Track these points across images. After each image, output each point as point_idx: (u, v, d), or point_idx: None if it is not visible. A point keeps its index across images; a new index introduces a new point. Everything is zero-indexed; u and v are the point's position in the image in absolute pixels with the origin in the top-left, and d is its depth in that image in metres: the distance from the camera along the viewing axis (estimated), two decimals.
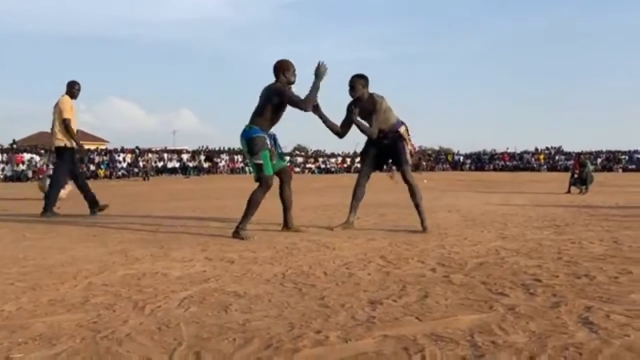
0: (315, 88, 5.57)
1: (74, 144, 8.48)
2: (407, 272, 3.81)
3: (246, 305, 2.96)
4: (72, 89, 8.52)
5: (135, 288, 3.39)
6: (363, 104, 5.97)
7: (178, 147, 49.63)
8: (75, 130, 8.47)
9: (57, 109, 8.37)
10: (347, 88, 6.04)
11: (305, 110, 5.53)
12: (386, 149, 6.16)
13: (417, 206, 6.05)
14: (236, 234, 5.53)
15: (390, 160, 6.33)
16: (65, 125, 8.28)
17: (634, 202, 10.72)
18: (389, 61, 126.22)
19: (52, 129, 8.46)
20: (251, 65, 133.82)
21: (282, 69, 5.64)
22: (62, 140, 8.34)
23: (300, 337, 2.40)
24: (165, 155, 44.69)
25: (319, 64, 5.60)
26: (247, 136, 5.58)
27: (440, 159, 57.68)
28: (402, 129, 6.13)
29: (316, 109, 5.89)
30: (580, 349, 2.22)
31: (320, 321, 2.65)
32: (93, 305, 2.99)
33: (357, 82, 5.96)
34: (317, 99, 5.70)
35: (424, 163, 49.15)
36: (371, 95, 5.96)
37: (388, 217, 7.48)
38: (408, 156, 6.07)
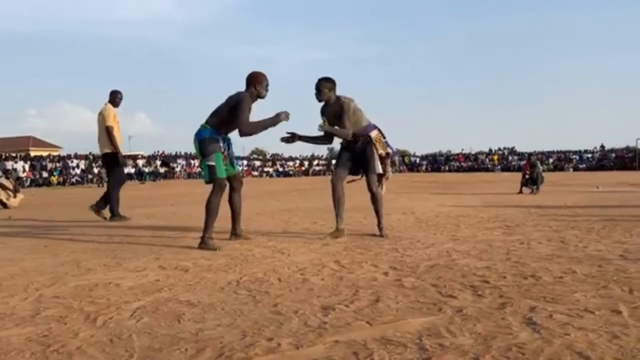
0: (263, 125, 5.46)
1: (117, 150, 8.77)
2: (360, 277, 3.87)
3: (199, 314, 2.97)
4: (115, 98, 8.86)
5: (87, 299, 3.36)
6: (331, 107, 5.87)
7: (133, 152, 48.96)
8: (119, 138, 8.80)
9: (101, 117, 8.68)
10: (314, 92, 5.92)
11: (240, 135, 5.45)
12: (358, 154, 6.02)
13: (376, 211, 6.04)
14: (203, 245, 5.31)
15: (359, 164, 6.13)
16: (108, 132, 8.60)
17: (583, 202, 11.04)
18: (344, 63, 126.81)
19: (99, 136, 8.75)
20: (208, 67, 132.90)
21: (255, 81, 5.52)
22: (109, 147, 8.68)
23: (253, 345, 2.43)
24: None
25: (284, 112, 5.51)
26: (200, 137, 5.48)
27: (399, 161, 58.18)
28: (373, 134, 5.98)
29: (298, 138, 6.09)
30: (523, 349, 2.30)
31: (272, 328, 2.68)
32: (43, 318, 2.96)
33: (323, 85, 5.84)
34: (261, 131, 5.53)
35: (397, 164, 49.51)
36: (338, 97, 5.88)
37: (345, 221, 7.54)
38: (377, 163, 5.94)
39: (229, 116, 5.45)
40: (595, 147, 52.25)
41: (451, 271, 4.00)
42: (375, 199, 6.02)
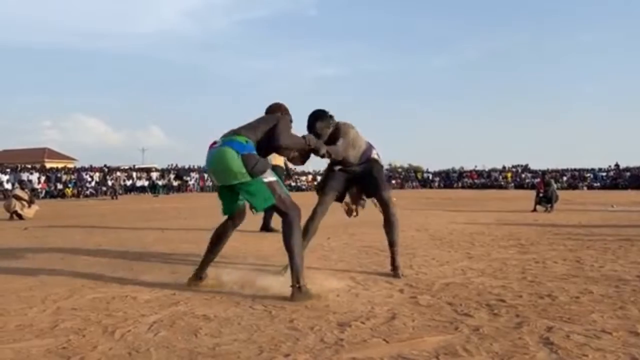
0: (301, 141, 4.33)
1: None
2: (376, 294, 3.87)
3: (216, 328, 2.99)
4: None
5: (105, 312, 3.39)
6: (330, 136, 4.93)
7: (147, 165, 49.31)
8: None
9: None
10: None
11: (278, 146, 4.14)
12: (358, 176, 5.03)
13: (391, 244, 4.89)
14: (297, 295, 3.78)
15: (361, 188, 5.12)
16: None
17: (597, 221, 10.97)
18: (353, 77, 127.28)
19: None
20: (220, 81, 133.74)
21: (283, 110, 4.63)
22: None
23: None
24: (134, 173, 44.28)
25: (328, 152, 4.59)
26: (243, 149, 3.92)
27: (410, 177, 58.09)
28: (373, 154, 5.15)
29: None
30: None
31: (289, 344, 2.69)
32: (62, 330, 2.99)
33: (318, 126, 4.79)
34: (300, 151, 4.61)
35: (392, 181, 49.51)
36: (337, 125, 4.98)
37: (358, 237, 7.55)
38: (384, 183, 5.05)
39: (266, 135, 4.16)
40: (610, 166, 51.81)
41: (466, 289, 4.00)
42: (390, 225, 4.83)
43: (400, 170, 60.43)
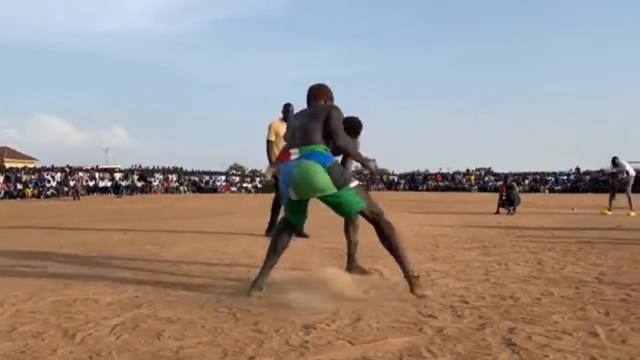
0: (369, 166, 4.27)
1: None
2: (341, 295, 3.86)
3: (179, 331, 2.96)
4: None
5: (65, 315, 3.32)
6: None
7: (110, 166, 48.60)
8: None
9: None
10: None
11: (337, 147, 3.94)
12: None
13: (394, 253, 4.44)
14: (418, 283, 3.82)
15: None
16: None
17: (559, 223, 11.17)
18: (323, 79, 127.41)
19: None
20: (189, 82, 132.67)
21: (329, 95, 4.28)
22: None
23: None
24: (97, 174, 43.62)
25: (377, 168, 4.37)
26: (326, 161, 3.78)
27: (375, 179, 58.37)
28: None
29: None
30: None
31: (254, 347, 2.68)
32: (21, 333, 2.92)
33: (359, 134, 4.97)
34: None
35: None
36: None
37: (322, 239, 7.55)
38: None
39: (327, 134, 3.93)
40: (571, 170, 52.94)
41: (430, 291, 4.03)
42: (355, 226, 4.91)
43: (365, 172, 60.69)
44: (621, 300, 3.72)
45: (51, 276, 4.65)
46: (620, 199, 14.55)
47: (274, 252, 4.06)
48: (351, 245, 4.93)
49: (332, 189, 3.72)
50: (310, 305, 3.45)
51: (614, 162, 14.59)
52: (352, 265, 4.87)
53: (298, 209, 4.00)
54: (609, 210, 14.10)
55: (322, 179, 3.70)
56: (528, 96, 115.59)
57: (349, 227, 4.93)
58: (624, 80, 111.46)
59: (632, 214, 13.53)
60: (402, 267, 3.81)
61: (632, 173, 14.61)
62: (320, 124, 3.90)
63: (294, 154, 3.83)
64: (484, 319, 3.20)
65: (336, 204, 3.81)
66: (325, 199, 3.79)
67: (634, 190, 14.46)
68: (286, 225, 4.12)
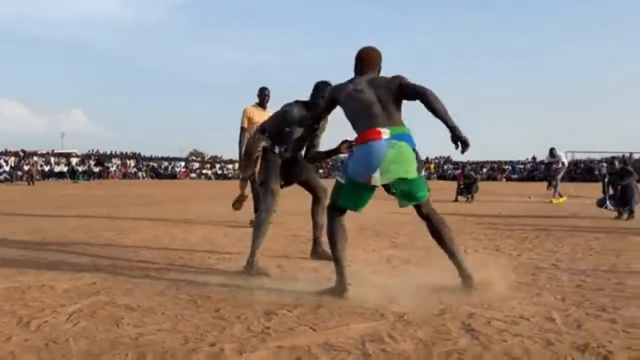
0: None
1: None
2: (303, 282, 3.87)
3: (139, 318, 2.91)
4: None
5: (20, 302, 3.24)
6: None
7: (66, 151, 47.55)
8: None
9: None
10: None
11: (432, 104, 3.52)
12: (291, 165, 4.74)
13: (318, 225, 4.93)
14: (474, 282, 3.63)
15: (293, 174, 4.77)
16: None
17: (516, 211, 11.38)
18: (283, 66, 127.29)
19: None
20: (151, 67, 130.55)
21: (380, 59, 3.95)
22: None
23: (195, 350, 2.40)
24: (53, 159, 42.65)
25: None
26: (414, 144, 3.61)
27: (336, 167, 58.53)
28: None
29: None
30: (463, 355, 2.36)
31: (215, 333, 2.65)
32: None
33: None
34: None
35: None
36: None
37: (286, 226, 7.53)
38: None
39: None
40: (527, 159, 53.96)
41: (391, 277, 4.05)
42: (324, 209, 4.49)
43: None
44: (577, 286, 3.81)
45: (3, 263, 4.52)
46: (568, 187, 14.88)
47: (344, 243, 3.67)
48: (317, 229, 4.88)
49: (415, 174, 3.53)
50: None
51: (552, 153, 14.98)
52: (317, 250, 4.86)
53: (366, 195, 3.64)
54: (559, 196, 14.45)
55: (413, 163, 3.50)
56: (485, 86, 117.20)
57: (318, 210, 4.86)
58: (580, 70, 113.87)
59: (555, 201, 14.06)
60: (454, 261, 3.64)
61: (566, 164, 15.06)
62: (396, 99, 3.64)
63: (384, 133, 3.48)
64: (444, 304, 3.23)
65: (411, 189, 3.56)
66: (403, 183, 3.51)
67: (589, 180, 14.88)
68: (340, 213, 3.72)
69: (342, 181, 3.66)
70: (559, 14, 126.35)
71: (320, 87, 4.55)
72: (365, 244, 5.86)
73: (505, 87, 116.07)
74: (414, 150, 3.55)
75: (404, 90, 3.61)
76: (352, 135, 3.70)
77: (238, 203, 7.33)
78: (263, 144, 4.58)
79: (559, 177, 14.63)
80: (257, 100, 7.83)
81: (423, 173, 3.65)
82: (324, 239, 4.86)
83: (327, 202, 4.66)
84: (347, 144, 3.89)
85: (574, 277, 4.09)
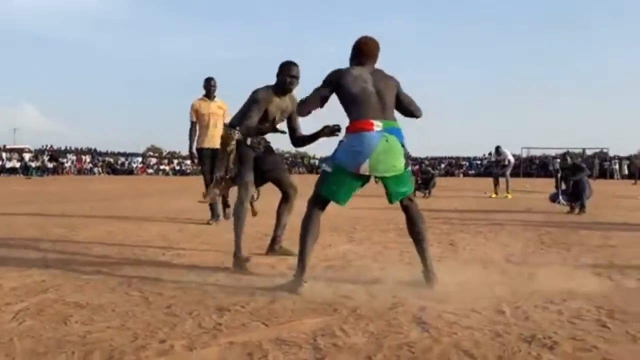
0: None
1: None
2: (257, 278, 3.85)
3: (88, 316, 2.85)
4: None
5: None
6: (285, 101, 4.61)
7: (19, 146, 46.35)
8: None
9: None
10: (292, 78, 4.52)
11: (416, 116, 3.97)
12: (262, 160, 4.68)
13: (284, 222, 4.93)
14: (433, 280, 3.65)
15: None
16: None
17: (472, 206, 11.56)
18: (242, 60, 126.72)
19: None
20: (102, 60, 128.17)
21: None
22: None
23: (144, 347, 2.36)
24: (4, 154, 41.53)
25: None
26: (404, 141, 3.68)
27: (297, 163, 58.55)
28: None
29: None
30: (413, 348, 2.38)
31: (166, 330, 2.62)
32: None
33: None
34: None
35: None
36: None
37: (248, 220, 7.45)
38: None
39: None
40: (484, 154, 54.81)
41: (347, 272, 4.07)
42: (290, 208, 4.86)
43: (287, 156, 60.66)
44: (527, 279, 3.88)
45: None
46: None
47: (314, 239, 3.71)
48: (279, 227, 4.85)
49: (403, 169, 3.60)
50: None
51: (497, 151, 15.35)
52: (274, 247, 4.84)
53: (352, 187, 3.62)
54: (495, 194, 14.79)
55: (401, 159, 3.56)
56: (446, 83, 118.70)
57: (284, 209, 4.82)
58: (538, 67, 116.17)
59: (509, 196, 14.44)
60: (422, 257, 3.69)
61: (513, 161, 15.47)
62: (394, 95, 3.75)
63: (376, 126, 3.52)
64: (397, 298, 3.26)
65: (398, 184, 3.61)
66: (391, 178, 3.58)
67: (544, 175, 15.24)
68: (321, 206, 3.75)
69: (329, 170, 3.64)
70: (512, 9, 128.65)
71: (287, 66, 4.49)
72: (322, 239, 5.84)
73: (462, 85, 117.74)
74: (403, 145, 3.61)
75: (402, 99, 3.79)
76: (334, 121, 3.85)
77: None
78: (236, 137, 4.52)
79: (508, 173, 14.99)
80: (203, 92, 7.82)
81: (409, 168, 3.73)
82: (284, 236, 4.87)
83: (296, 200, 4.77)
84: (329, 128, 4.00)
85: (524, 270, 4.17)
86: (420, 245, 3.71)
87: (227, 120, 7.34)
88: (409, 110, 3.84)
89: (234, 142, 4.52)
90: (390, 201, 3.71)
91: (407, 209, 3.76)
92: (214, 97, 7.75)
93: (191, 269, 4.15)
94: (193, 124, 7.67)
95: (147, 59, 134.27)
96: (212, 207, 7.45)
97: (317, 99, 3.67)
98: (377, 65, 3.84)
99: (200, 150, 7.66)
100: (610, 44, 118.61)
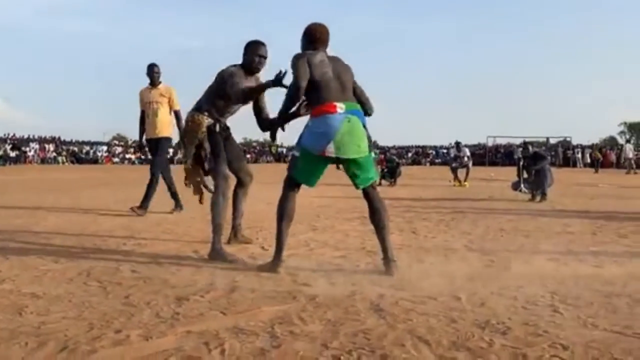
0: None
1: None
2: (218, 266, 3.85)
3: (44, 306, 2.82)
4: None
5: None
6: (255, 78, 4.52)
7: None
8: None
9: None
10: (261, 58, 4.42)
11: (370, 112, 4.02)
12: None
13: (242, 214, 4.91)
14: (393, 267, 3.71)
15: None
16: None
17: (436, 195, 11.69)
18: (208, 49, 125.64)
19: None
20: (67, 48, 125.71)
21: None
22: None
23: (99, 337, 2.35)
24: None
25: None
26: (365, 123, 3.79)
27: (264, 151, 58.38)
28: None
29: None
30: (369, 335, 2.41)
31: (122, 320, 2.61)
32: None
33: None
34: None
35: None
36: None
37: (206, 210, 7.41)
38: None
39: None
40: (451, 143, 55.30)
41: (308, 260, 4.10)
42: (246, 195, 4.79)
43: (255, 144, 60.45)
44: (485, 266, 3.96)
45: None
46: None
47: (289, 220, 3.81)
48: (238, 216, 4.84)
49: (366, 152, 3.68)
50: None
51: (458, 147, 15.86)
52: (236, 236, 4.82)
53: (320, 169, 3.77)
54: (458, 182, 15.09)
55: (364, 140, 3.66)
56: (407, 74, 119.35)
57: (240, 195, 4.80)
58: (504, 59, 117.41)
59: (467, 184, 14.86)
60: (382, 245, 3.74)
61: (470, 157, 15.97)
62: (352, 81, 3.87)
63: (339, 108, 3.62)
64: (356, 286, 3.29)
65: (362, 169, 3.71)
66: (354, 161, 3.67)
67: (509, 164, 15.55)
68: (294, 188, 3.85)
69: (297, 154, 3.76)
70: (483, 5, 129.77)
71: (255, 46, 4.40)
72: None
73: (429, 75, 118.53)
74: (365, 126, 3.71)
75: (355, 87, 3.89)
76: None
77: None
78: (206, 123, 4.42)
79: (470, 164, 15.36)
80: (148, 80, 7.49)
81: (373, 153, 3.79)
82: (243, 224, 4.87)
83: (250, 187, 4.79)
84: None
85: (483, 257, 4.26)
86: (381, 233, 3.76)
87: (177, 107, 7.37)
88: (361, 101, 3.87)
89: (204, 130, 4.41)
90: (357, 186, 3.79)
91: (369, 196, 3.82)
92: (159, 83, 7.43)
93: (152, 258, 4.12)
94: (142, 114, 7.45)
95: (113, 45, 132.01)
96: (175, 196, 7.38)
97: (306, 72, 3.66)
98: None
99: (148, 140, 7.46)
100: (572, 36, 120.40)
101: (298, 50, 3.86)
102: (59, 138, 49.21)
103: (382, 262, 3.69)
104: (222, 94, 4.37)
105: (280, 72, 3.77)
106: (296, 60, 3.70)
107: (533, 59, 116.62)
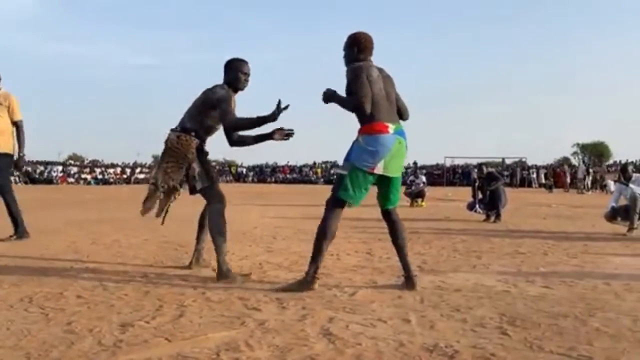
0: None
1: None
2: (167, 291, 3.76)
3: None
4: None
5: None
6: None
7: None
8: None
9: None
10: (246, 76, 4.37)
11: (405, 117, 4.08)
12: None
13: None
14: (413, 283, 3.89)
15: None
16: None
17: None
18: (167, 68, 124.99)
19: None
20: (19, 64, 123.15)
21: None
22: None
23: None
24: None
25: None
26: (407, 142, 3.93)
27: (224, 171, 58.00)
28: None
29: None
30: None
31: (62, 349, 2.51)
32: None
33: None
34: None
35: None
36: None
37: (160, 233, 7.31)
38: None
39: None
40: (409, 164, 55.87)
41: (260, 283, 4.04)
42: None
43: (214, 164, 60.00)
44: (436, 287, 3.97)
45: None
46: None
47: (331, 239, 3.93)
48: (202, 240, 4.71)
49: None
50: None
51: (416, 173, 16.91)
52: (198, 260, 4.70)
53: (366, 187, 3.81)
54: (416, 203, 15.31)
55: (404, 160, 3.88)
56: None
57: (206, 221, 4.60)
58: (463, 79, 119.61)
59: (424, 204, 15.10)
60: (404, 263, 3.90)
61: (426, 182, 16.59)
62: (395, 92, 3.95)
63: (390, 128, 3.73)
64: (307, 309, 3.25)
65: (392, 190, 3.90)
66: (393, 181, 3.85)
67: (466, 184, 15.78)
68: (340, 208, 3.91)
69: (345, 172, 3.80)
70: (440, 17, 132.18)
71: (239, 63, 4.32)
72: (239, 250, 5.80)
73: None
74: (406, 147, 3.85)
75: (397, 99, 3.95)
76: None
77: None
78: (194, 144, 4.26)
79: (425, 189, 15.68)
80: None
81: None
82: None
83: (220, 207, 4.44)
84: (282, 132, 4.20)
85: (435, 279, 4.27)
86: (403, 252, 3.92)
87: (18, 117, 6.71)
88: (399, 107, 3.96)
89: (194, 151, 4.26)
90: (386, 206, 3.97)
91: (392, 217, 4.03)
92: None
93: (99, 282, 4.00)
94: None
95: (67, 64, 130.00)
96: (17, 220, 6.70)
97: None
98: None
99: None
100: (534, 52, 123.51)
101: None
102: (12, 157, 47.93)
103: (404, 279, 3.86)
104: (211, 115, 4.26)
105: (281, 104, 3.93)
106: (359, 73, 3.71)
107: (489, 81, 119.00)
